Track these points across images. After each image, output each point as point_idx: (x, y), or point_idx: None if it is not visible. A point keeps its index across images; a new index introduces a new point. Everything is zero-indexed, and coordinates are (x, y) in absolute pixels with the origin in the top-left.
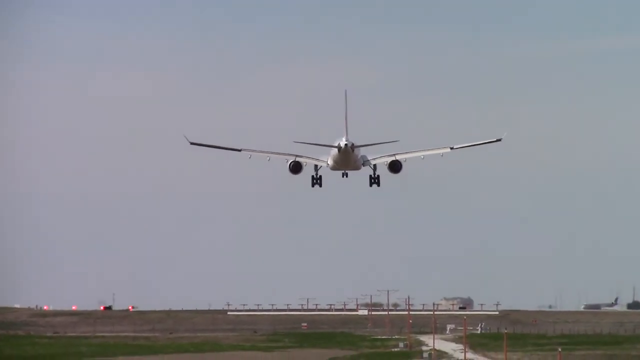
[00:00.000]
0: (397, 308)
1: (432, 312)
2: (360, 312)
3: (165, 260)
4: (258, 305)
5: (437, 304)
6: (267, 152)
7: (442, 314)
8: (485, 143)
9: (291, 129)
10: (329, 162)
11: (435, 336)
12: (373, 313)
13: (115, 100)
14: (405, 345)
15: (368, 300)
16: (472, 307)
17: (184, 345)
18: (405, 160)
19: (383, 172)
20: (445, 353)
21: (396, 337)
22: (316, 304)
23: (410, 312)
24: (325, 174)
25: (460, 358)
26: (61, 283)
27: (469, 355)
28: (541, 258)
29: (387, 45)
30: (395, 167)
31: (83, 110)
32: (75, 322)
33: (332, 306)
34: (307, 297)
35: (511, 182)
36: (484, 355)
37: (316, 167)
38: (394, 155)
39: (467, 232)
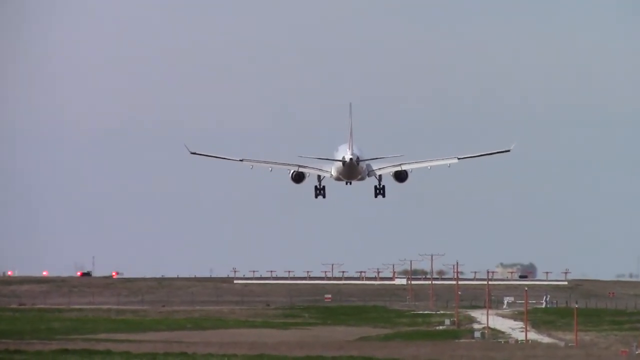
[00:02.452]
0: (443, 276)
1: (485, 282)
2: (398, 282)
3: (157, 217)
4: (271, 272)
5: (492, 272)
6: (269, 163)
7: (498, 284)
8: (493, 153)
9: (293, 135)
10: (332, 173)
11: (490, 311)
12: (413, 283)
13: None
14: (453, 323)
15: (407, 267)
16: (535, 275)
17: (180, 321)
18: (412, 170)
19: (388, 182)
20: (502, 332)
21: (441, 312)
22: (343, 272)
23: (459, 282)
24: (329, 183)
25: (520, 338)
26: (29, 243)
27: (531, 335)
28: (620, 216)
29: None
30: (400, 176)
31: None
32: (46, 291)
33: (363, 274)
34: (332, 262)
35: (586, 127)
36: (550, 336)
37: (319, 178)
38: (400, 165)
39: (529, 183)
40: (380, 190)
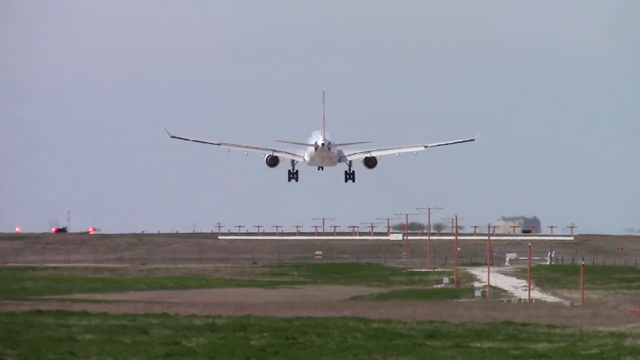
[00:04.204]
0: (442, 231)
1: (486, 237)
2: (393, 237)
3: (137, 168)
4: (258, 227)
5: (494, 227)
6: (245, 147)
7: (500, 240)
8: (458, 142)
9: (269, 121)
10: (305, 158)
11: (491, 269)
12: (409, 238)
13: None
14: (452, 281)
15: (403, 222)
16: (538, 230)
17: (161, 280)
18: (380, 157)
19: (358, 168)
20: (504, 291)
21: (439, 269)
22: (334, 226)
23: (459, 237)
24: (302, 167)
25: (523, 297)
26: (1, 198)
27: (535, 293)
28: (628, 167)
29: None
30: (370, 163)
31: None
32: (18, 248)
33: (356, 229)
34: (323, 216)
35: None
36: (554, 294)
37: (293, 162)
38: (369, 152)
39: (532, 132)
40: (350, 175)
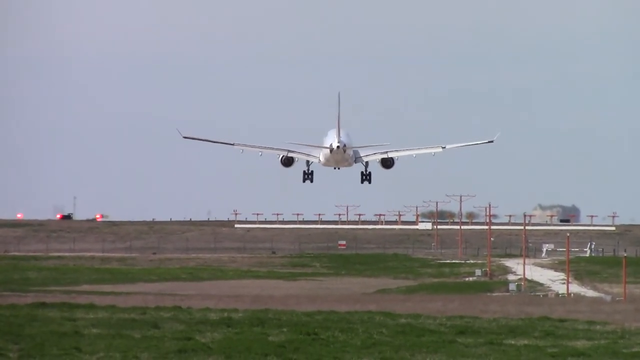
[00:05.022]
0: (474, 220)
1: (522, 227)
2: (422, 226)
3: (148, 151)
4: (277, 215)
5: (530, 216)
6: (260, 147)
7: (536, 230)
8: (477, 144)
9: (284, 120)
10: (320, 159)
11: (527, 260)
12: (439, 227)
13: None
14: (484, 273)
15: (433, 210)
16: (578, 219)
17: (173, 271)
18: (398, 158)
19: (375, 168)
20: (540, 284)
21: (471, 261)
22: (359, 215)
23: (492, 227)
24: (317, 168)
25: (561, 291)
26: (2, 182)
27: (574, 287)
28: None
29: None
30: (387, 163)
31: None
32: (20, 236)
33: (382, 217)
34: (347, 204)
35: None
36: (594, 288)
37: (308, 163)
38: (386, 152)
39: (570, 115)
40: (366, 176)
